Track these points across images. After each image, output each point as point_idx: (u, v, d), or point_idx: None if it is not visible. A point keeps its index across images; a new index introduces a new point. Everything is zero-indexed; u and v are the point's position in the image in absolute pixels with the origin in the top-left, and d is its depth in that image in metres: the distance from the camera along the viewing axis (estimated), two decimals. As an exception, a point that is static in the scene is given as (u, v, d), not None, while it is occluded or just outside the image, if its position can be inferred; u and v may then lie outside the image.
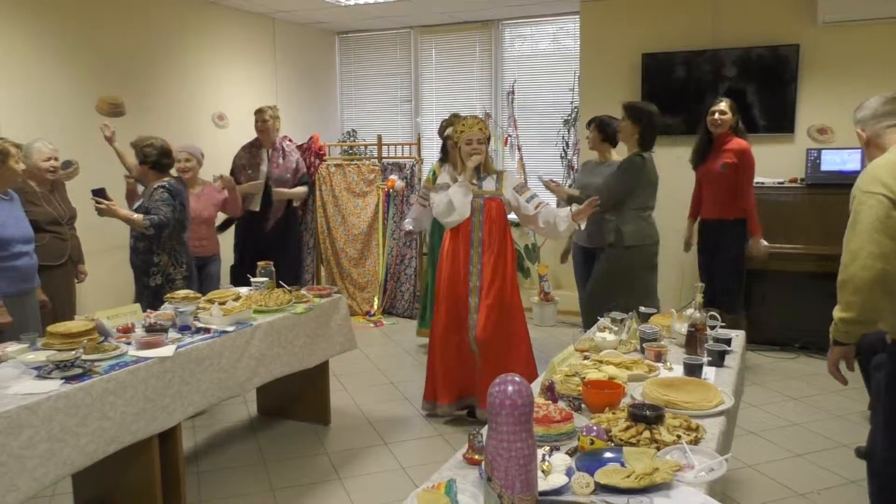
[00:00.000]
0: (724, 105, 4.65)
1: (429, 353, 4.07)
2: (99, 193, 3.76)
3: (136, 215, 3.84)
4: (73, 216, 4.26)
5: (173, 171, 4.17)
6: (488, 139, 3.96)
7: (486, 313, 3.83)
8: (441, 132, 5.10)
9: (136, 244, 3.98)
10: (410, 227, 4.84)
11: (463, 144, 3.88)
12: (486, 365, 3.82)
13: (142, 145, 4.00)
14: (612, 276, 4.16)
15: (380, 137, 6.78)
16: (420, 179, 6.56)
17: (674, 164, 5.74)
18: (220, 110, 6.40)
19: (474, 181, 3.89)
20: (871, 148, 2.47)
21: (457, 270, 3.91)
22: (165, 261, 3.95)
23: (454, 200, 3.84)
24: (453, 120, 4.86)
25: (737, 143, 4.63)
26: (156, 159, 3.99)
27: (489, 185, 3.93)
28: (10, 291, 3.35)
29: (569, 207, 3.88)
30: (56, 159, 4.13)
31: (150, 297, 3.87)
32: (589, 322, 4.05)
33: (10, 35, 4.72)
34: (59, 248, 4.04)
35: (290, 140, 5.55)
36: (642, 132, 4.14)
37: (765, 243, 4.70)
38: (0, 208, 3.38)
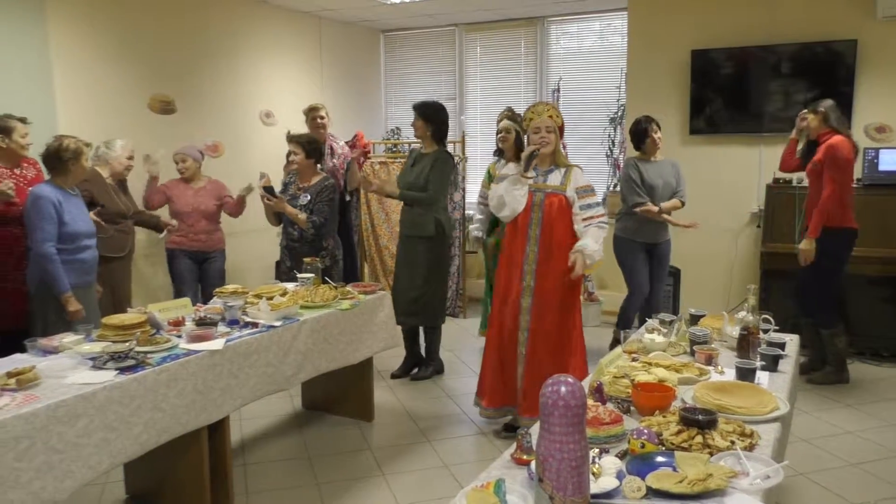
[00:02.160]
0: (806, 111, 4.44)
1: (484, 350, 3.85)
2: (269, 191, 4.15)
3: (301, 214, 4.23)
4: (135, 212, 4.47)
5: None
6: (561, 128, 3.59)
7: (537, 320, 3.55)
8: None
9: (303, 236, 4.31)
10: (478, 234, 4.80)
11: (531, 133, 3.53)
12: (529, 374, 3.57)
13: (305, 139, 4.32)
14: (439, 263, 4.58)
15: (424, 135, 6.79)
16: (464, 178, 6.55)
17: (721, 163, 5.65)
18: (267, 108, 6.48)
19: (530, 174, 3.51)
20: None
21: (511, 273, 3.64)
22: (332, 244, 4.46)
23: (504, 193, 3.56)
24: (507, 114, 4.76)
25: (828, 138, 4.29)
26: (319, 150, 4.40)
27: (555, 179, 3.54)
28: (76, 283, 3.51)
29: (598, 247, 3.47)
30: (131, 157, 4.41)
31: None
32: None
33: (72, 37, 4.84)
34: (123, 241, 4.24)
35: (335, 137, 5.57)
36: (435, 128, 4.49)
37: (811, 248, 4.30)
38: (70, 203, 3.53)
